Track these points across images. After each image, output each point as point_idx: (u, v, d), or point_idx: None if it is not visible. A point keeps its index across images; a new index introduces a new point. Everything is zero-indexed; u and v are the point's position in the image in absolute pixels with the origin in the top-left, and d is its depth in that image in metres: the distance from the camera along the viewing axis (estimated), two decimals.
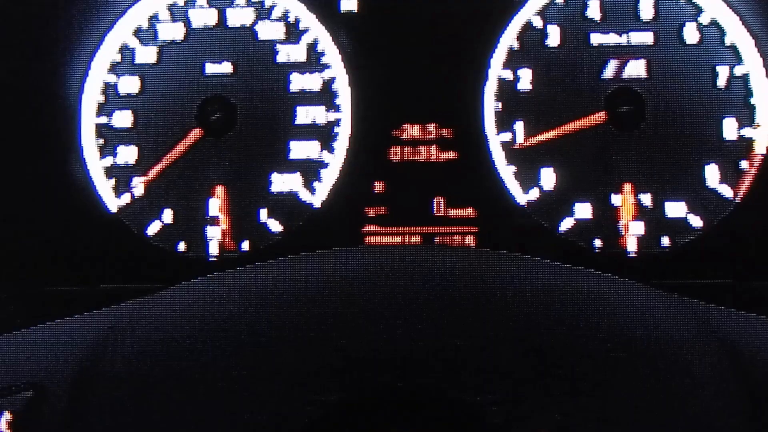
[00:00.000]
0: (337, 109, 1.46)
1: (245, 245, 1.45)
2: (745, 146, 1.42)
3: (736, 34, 1.43)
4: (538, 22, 1.46)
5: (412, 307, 0.77)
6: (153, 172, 1.46)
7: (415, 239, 1.43)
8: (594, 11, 1.46)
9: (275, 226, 1.45)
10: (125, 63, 1.49)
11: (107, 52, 1.49)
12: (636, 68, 1.44)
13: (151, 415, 0.75)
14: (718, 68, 1.43)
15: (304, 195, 1.45)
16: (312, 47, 1.48)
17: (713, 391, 0.75)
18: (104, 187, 1.47)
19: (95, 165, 1.47)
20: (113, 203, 1.47)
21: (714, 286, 1.34)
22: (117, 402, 0.76)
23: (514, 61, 1.46)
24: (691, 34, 1.44)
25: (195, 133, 1.46)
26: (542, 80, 1.45)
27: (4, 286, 1.38)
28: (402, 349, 0.76)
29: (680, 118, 1.42)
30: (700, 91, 1.42)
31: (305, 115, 1.46)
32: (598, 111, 1.43)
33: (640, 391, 0.75)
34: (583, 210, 1.42)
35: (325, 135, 1.46)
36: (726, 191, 1.41)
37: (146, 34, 1.49)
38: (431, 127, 1.44)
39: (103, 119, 1.48)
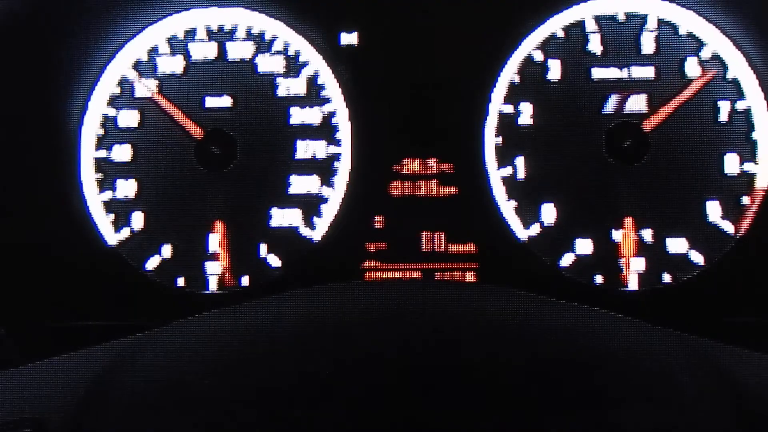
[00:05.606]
0: (337, 143, 1.46)
1: (245, 280, 1.45)
2: (746, 182, 1.41)
3: (738, 68, 1.43)
4: (539, 56, 1.46)
5: (413, 342, 0.77)
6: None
7: (416, 275, 1.42)
8: (595, 45, 1.45)
9: (275, 261, 1.44)
10: (125, 96, 1.48)
11: (107, 85, 1.49)
12: (637, 103, 1.43)
13: None
14: (720, 103, 1.43)
15: (304, 230, 1.45)
16: (312, 81, 1.48)
17: (709, 425, 0.75)
18: (103, 222, 1.46)
19: (94, 199, 1.47)
20: (112, 237, 1.46)
21: (715, 323, 1.33)
22: None
23: (514, 95, 1.45)
24: (692, 68, 1.44)
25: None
26: (543, 115, 1.45)
27: (2, 321, 1.37)
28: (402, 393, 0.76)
29: (681, 153, 1.42)
30: (701, 125, 1.42)
31: (305, 149, 1.46)
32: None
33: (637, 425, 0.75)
34: (584, 246, 1.42)
35: (325, 169, 1.46)
36: (727, 227, 1.40)
37: (146, 67, 1.49)
38: (431, 161, 1.44)
39: (103, 153, 1.47)
